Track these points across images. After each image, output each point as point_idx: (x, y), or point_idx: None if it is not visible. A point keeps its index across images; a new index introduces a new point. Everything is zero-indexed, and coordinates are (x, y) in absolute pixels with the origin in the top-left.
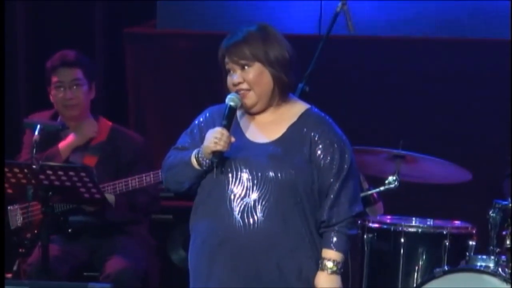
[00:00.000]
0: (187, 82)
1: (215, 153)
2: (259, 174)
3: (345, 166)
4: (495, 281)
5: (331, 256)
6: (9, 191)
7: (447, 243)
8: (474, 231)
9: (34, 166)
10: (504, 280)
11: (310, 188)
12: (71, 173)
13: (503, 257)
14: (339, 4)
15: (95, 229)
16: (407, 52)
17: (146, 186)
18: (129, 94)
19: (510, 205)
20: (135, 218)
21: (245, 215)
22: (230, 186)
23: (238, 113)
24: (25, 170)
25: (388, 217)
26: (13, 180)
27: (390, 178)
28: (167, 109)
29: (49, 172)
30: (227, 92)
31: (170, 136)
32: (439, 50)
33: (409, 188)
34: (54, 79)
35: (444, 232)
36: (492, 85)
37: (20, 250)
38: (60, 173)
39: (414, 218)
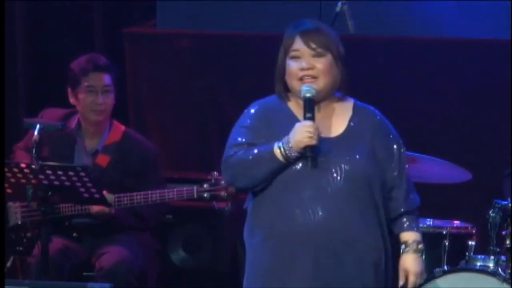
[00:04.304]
0: (187, 82)
1: (306, 148)
2: (336, 168)
3: (403, 155)
4: (494, 281)
5: (415, 238)
6: (9, 191)
7: (446, 243)
8: (473, 231)
9: (33, 166)
10: (504, 280)
11: (379, 180)
12: (71, 173)
13: (503, 257)
14: (339, 4)
15: (97, 230)
16: (407, 52)
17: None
18: (129, 94)
19: (510, 205)
20: (139, 226)
21: (325, 209)
22: (307, 181)
23: (283, 107)
24: (25, 170)
25: None
26: (12, 180)
27: None
28: (167, 109)
29: (48, 172)
30: (281, 79)
31: (169, 136)
32: (439, 50)
33: None
34: (85, 83)
35: (444, 232)
36: (492, 85)
37: (18, 248)
38: (60, 173)
39: None
